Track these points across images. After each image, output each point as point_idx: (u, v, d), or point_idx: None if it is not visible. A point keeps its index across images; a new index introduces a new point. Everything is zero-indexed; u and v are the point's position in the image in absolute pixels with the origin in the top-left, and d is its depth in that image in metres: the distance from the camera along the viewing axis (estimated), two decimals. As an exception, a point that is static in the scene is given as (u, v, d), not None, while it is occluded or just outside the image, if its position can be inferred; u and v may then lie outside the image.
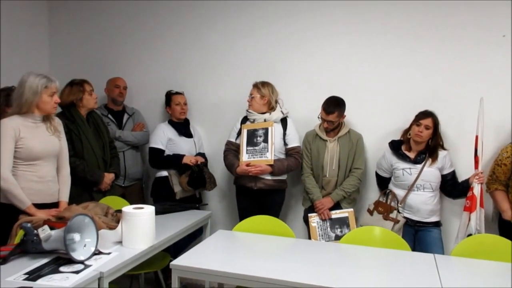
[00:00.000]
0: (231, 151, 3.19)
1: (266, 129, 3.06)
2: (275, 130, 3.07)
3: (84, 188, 2.92)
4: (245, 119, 3.21)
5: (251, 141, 3.08)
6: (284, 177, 3.17)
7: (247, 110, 3.18)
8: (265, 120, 3.11)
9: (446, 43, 3.04)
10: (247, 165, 3.03)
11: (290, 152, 3.12)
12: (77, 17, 3.96)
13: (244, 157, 3.07)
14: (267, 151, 3.03)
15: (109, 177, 3.04)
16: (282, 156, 3.12)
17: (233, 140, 3.21)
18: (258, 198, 3.11)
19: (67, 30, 3.99)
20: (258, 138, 3.07)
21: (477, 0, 2.94)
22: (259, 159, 3.03)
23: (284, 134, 3.12)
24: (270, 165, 3.02)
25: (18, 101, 2.34)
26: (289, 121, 3.17)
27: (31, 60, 3.81)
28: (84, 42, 3.96)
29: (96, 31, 3.92)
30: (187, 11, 3.64)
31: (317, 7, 3.30)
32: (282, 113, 3.16)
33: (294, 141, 3.13)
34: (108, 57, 3.89)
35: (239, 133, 3.16)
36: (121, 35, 3.85)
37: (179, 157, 3.26)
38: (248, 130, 3.11)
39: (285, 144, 3.12)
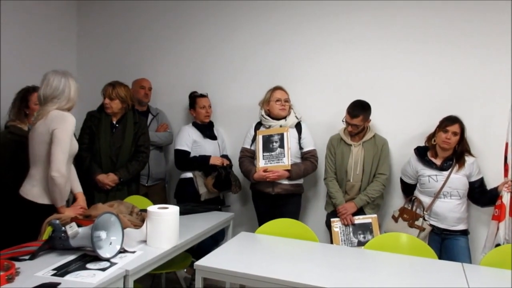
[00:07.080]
0: (247, 157, 3.20)
1: (282, 135, 3.05)
2: (290, 135, 3.06)
3: (86, 185, 2.77)
4: (258, 125, 3.21)
5: (267, 147, 3.08)
6: (300, 181, 3.16)
7: (262, 116, 3.16)
8: (280, 126, 3.09)
9: (472, 47, 2.98)
10: (265, 170, 3.02)
11: (306, 156, 3.11)
12: (105, 18, 4.04)
13: (261, 163, 3.07)
14: (284, 156, 3.02)
15: (108, 178, 2.99)
16: (298, 160, 3.11)
17: (248, 146, 3.21)
18: (275, 202, 3.10)
19: (95, 31, 4.08)
20: (274, 144, 3.06)
21: (505, 1, 2.87)
22: (276, 165, 3.03)
23: (299, 138, 3.11)
24: (287, 170, 3.01)
25: (66, 95, 2.33)
26: (303, 125, 3.16)
27: (59, 60, 3.88)
28: (111, 42, 4.03)
29: (123, 32, 3.99)
30: (211, 14, 3.67)
31: (342, 11, 3.29)
32: (297, 118, 3.15)
33: (309, 145, 3.13)
34: (134, 57, 3.95)
35: (254, 139, 3.16)
36: (148, 36, 3.90)
37: (206, 158, 3.28)
38: (263, 136, 3.10)
39: (301, 148, 3.12)
